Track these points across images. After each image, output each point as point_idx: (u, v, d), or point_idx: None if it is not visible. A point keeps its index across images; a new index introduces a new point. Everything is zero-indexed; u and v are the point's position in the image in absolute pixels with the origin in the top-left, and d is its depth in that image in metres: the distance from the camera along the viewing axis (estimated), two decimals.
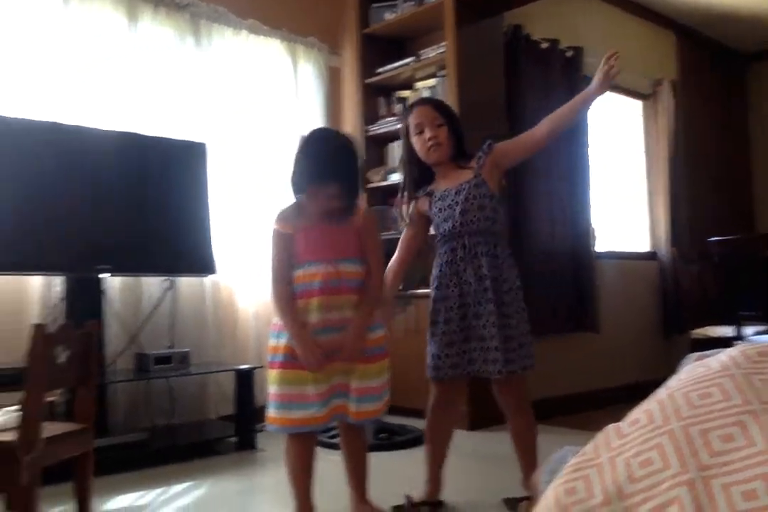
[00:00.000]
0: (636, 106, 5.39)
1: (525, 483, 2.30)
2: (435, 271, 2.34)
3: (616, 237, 5.02)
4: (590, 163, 4.43)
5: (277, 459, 2.31)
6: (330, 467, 2.35)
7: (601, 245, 4.58)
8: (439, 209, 2.33)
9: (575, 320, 4.30)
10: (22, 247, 2.79)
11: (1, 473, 2.12)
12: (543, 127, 2.29)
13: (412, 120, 2.33)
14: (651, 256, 5.19)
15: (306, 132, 2.13)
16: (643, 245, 5.26)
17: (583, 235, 4.37)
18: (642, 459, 0.83)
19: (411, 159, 2.39)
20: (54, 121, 3.06)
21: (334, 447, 2.74)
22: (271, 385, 2.05)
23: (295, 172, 2.06)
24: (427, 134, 2.29)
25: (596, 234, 4.47)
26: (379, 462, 2.31)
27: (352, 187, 2.06)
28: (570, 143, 4.27)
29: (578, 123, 3.97)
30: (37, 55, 3.20)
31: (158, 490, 2.62)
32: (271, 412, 2.04)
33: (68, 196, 2.95)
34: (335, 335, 2.03)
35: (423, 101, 2.49)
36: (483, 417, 3.47)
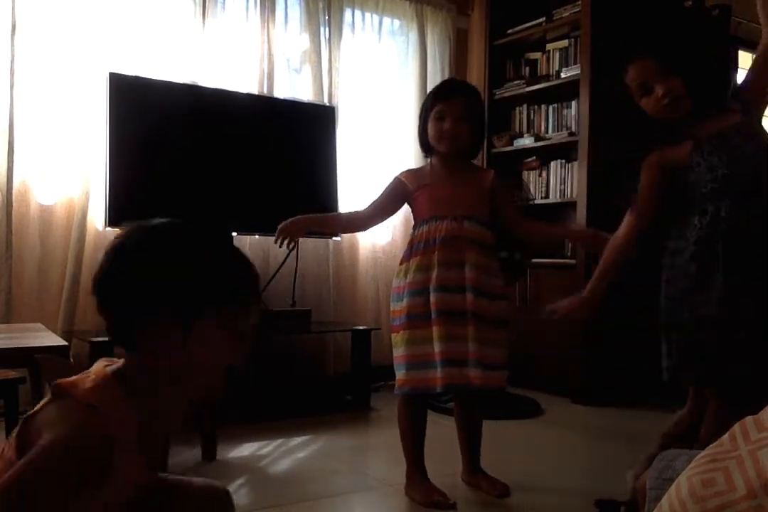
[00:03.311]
0: None
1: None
2: None
3: None
4: None
5: (390, 419, 2.36)
6: (442, 432, 2.38)
7: None
8: None
9: None
10: (157, 205, 2.94)
11: None
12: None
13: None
14: None
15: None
16: None
17: None
18: None
19: None
20: (192, 82, 3.19)
21: (446, 412, 2.77)
22: (397, 348, 2.08)
23: (419, 132, 2.15)
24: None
25: None
26: (490, 431, 2.32)
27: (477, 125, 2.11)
28: None
29: None
30: (176, 20, 3.32)
31: (277, 442, 2.75)
32: (401, 374, 2.06)
33: (203, 156, 3.07)
34: (453, 295, 2.01)
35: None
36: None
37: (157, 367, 0.94)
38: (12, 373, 2.28)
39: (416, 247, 2.08)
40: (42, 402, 0.93)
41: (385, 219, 2.26)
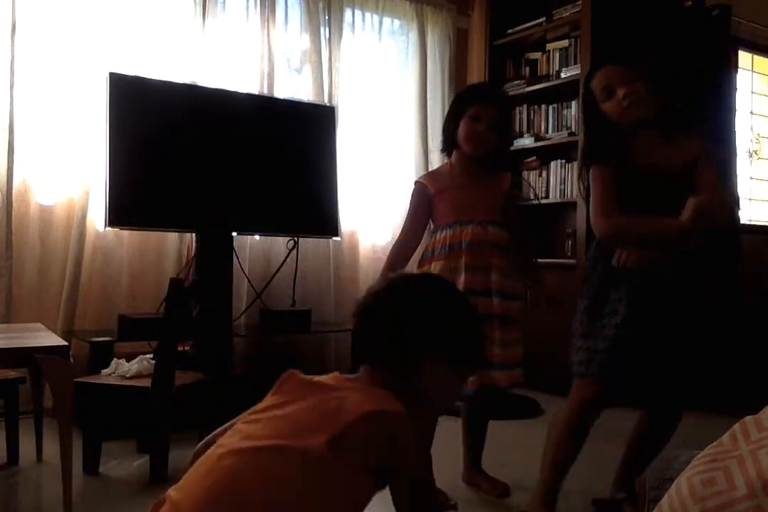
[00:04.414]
0: None
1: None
2: None
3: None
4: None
5: None
6: (442, 432, 2.37)
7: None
8: None
9: None
10: (157, 205, 2.93)
11: (135, 417, 2.29)
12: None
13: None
14: None
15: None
16: None
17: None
18: None
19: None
20: (192, 83, 3.19)
21: (445, 412, 2.77)
22: None
23: (445, 129, 2.16)
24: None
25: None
26: (490, 431, 2.31)
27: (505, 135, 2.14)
28: None
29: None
30: (176, 20, 3.32)
31: None
32: None
33: (203, 156, 3.07)
34: (480, 299, 1.99)
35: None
36: None
37: (421, 392, 1.12)
38: (12, 373, 2.28)
39: (439, 251, 2.08)
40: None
41: (425, 228, 2.22)
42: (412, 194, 2.20)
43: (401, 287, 1.18)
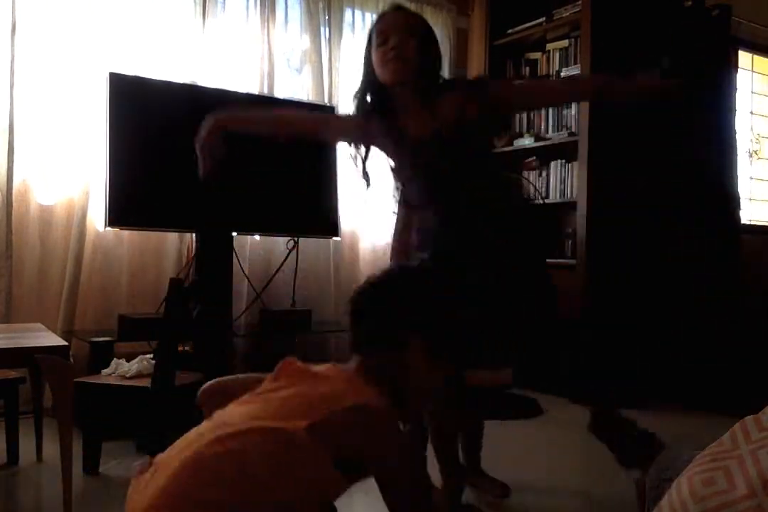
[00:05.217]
0: None
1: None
2: None
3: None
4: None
5: None
6: None
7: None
8: None
9: None
10: (157, 205, 2.93)
11: (135, 417, 2.29)
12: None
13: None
14: None
15: None
16: None
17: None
18: None
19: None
20: (192, 83, 3.19)
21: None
22: None
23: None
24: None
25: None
26: (490, 431, 2.31)
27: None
28: None
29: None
30: (176, 20, 3.32)
31: None
32: None
33: None
34: None
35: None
36: None
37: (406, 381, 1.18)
38: (12, 373, 2.28)
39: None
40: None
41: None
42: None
43: (396, 277, 1.25)
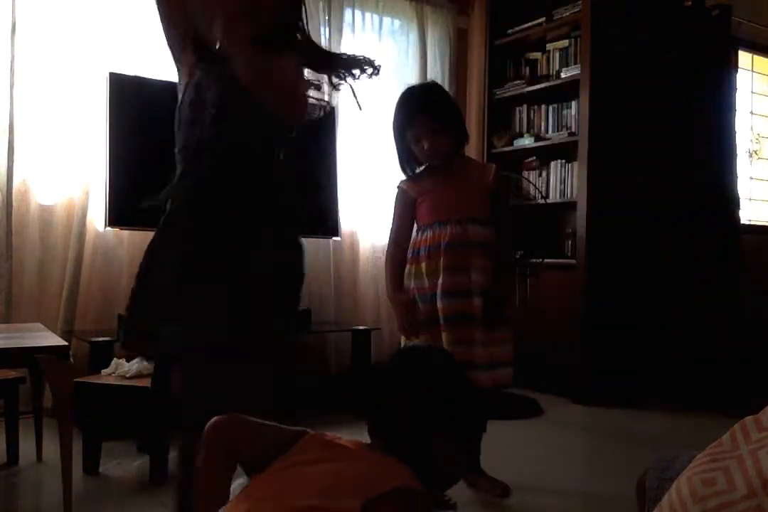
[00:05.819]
0: None
1: None
2: None
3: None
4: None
5: None
6: None
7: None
8: None
9: None
10: (157, 205, 2.93)
11: (135, 417, 2.29)
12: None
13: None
14: None
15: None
16: None
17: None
18: None
19: None
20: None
21: None
22: None
23: (400, 156, 2.20)
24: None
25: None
26: (490, 431, 2.31)
27: (449, 119, 2.11)
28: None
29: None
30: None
31: None
32: None
33: None
34: (460, 300, 2.02)
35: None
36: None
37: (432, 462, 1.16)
38: (12, 373, 2.28)
39: (423, 251, 2.09)
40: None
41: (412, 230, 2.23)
42: (395, 200, 2.21)
43: (404, 368, 1.23)
